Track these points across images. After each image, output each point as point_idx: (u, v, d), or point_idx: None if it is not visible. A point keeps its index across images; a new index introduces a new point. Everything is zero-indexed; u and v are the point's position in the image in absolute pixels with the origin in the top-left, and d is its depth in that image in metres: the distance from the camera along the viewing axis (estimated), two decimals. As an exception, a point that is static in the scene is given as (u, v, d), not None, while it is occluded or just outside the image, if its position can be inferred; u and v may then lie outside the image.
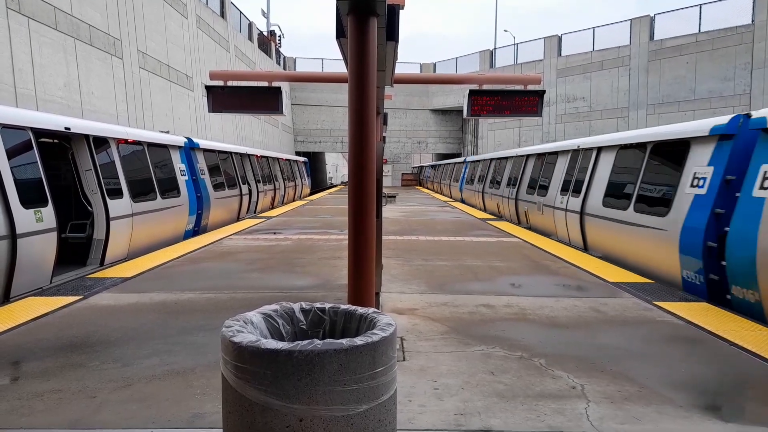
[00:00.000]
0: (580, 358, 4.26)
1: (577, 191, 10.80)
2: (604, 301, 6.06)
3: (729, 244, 6.07)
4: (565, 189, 11.53)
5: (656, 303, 5.96)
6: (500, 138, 40.92)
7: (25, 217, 6.57)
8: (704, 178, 6.81)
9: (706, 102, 27.70)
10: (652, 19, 30.67)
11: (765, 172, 5.84)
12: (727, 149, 6.62)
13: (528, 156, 15.14)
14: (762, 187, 5.83)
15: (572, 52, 35.29)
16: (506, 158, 17.77)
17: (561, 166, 12.22)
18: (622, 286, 6.83)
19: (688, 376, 3.89)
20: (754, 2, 25.83)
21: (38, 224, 6.80)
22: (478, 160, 23.01)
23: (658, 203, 7.73)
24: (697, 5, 28.29)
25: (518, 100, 7.86)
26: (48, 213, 7.01)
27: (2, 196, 6.29)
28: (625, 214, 8.50)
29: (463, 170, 26.61)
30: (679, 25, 29.24)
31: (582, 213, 10.28)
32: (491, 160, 20.19)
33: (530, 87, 8.02)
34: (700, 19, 28.23)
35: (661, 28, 30.31)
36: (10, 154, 6.59)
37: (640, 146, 8.80)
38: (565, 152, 12.20)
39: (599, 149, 10.31)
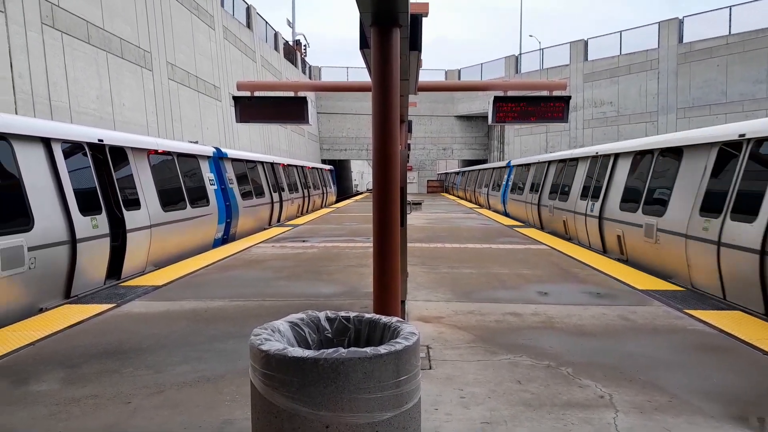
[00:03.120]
0: (608, 366, 4.22)
1: None
2: (633, 309, 5.98)
3: None
4: None
5: (687, 311, 5.86)
6: (527, 144, 40.65)
7: (83, 224, 7.16)
8: None
9: (738, 105, 27.10)
10: (681, 22, 30.17)
11: None
12: None
13: None
14: None
15: (599, 56, 34.90)
16: None
17: None
18: (652, 293, 6.72)
19: (720, 386, 3.82)
20: (786, 2, 25.24)
21: (94, 230, 7.39)
22: None
23: None
24: (726, 7, 27.75)
25: (544, 106, 7.80)
26: (102, 220, 7.63)
27: (63, 205, 6.88)
28: None
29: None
30: (709, 28, 28.69)
31: None
32: None
33: (556, 93, 7.97)
34: (730, 21, 27.67)
35: (689, 31, 29.79)
36: (70, 166, 7.24)
37: None
38: None
39: None
